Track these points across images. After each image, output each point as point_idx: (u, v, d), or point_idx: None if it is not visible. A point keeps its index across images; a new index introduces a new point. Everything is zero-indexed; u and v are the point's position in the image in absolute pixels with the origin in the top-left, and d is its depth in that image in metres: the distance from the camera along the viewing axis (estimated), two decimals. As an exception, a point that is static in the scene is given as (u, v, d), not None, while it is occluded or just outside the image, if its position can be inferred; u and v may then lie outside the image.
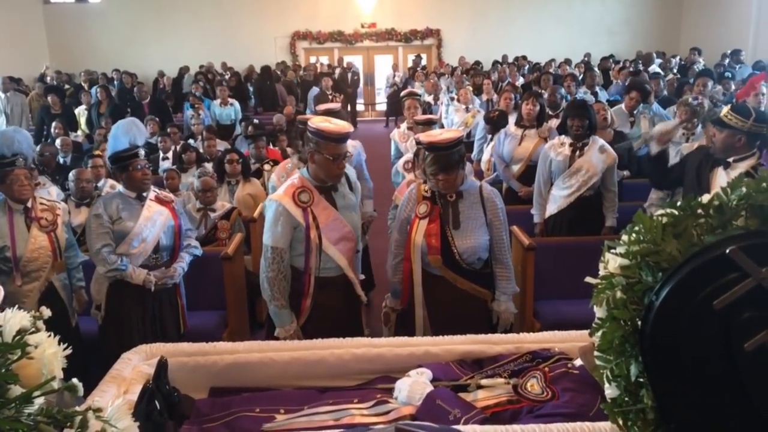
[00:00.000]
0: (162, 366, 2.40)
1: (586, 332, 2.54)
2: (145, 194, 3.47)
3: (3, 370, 0.78)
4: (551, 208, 4.49)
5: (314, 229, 2.95)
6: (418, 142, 3.32)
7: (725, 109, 3.52)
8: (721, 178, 3.46)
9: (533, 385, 2.30)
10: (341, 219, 3.03)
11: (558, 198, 4.43)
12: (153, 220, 3.43)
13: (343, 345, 2.56)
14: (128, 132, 3.44)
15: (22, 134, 3.74)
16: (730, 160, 3.45)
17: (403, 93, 6.29)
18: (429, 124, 4.68)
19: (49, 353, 0.83)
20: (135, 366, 2.44)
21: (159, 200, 3.52)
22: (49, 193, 5.10)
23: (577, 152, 4.35)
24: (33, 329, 0.82)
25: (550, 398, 2.23)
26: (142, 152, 3.47)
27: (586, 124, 4.33)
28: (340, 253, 3.01)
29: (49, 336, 0.88)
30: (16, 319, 0.83)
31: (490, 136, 6.17)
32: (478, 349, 2.56)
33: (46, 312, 0.85)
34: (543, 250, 4.10)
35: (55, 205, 3.70)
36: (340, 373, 2.53)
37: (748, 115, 3.41)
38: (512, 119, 6.55)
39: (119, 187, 3.56)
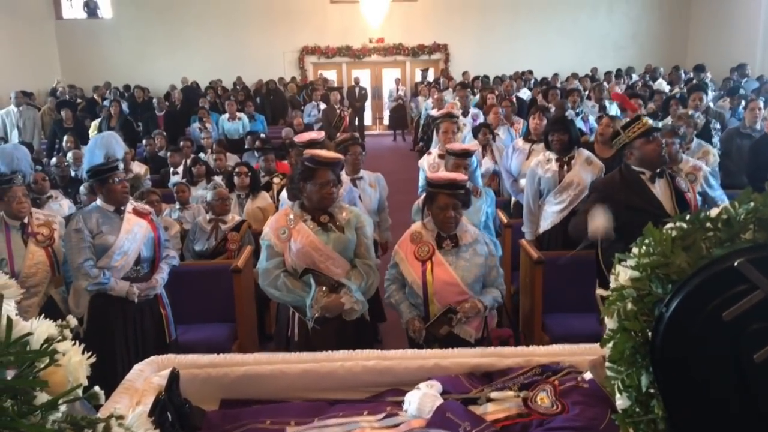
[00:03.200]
0: (174, 377, 2.42)
1: (595, 345, 2.55)
2: (123, 207, 3.48)
3: (31, 378, 0.80)
4: (544, 225, 4.49)
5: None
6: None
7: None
8: (657, 189, 3.50)
9: (543, 399, 2.30)
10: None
11: (551, 214, 4.44)
12: (133, 233, 3.44)
13: (353, 357, 2.58)
14: (105, 146, 3.47)
15: (21, 151, 3.78)
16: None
17: (438, 113, 5.49)
18: (464, 156, 4.00)
19: (74, 361, 0.86)
20: (147, 377, 2.46)
21: (137, 212, 3.52)
22: (61, 206, 5.16)
23: (565, 167, 4.37)
24: (60, 337, 0.85)
25: (560, 411, 2.23)
26: (121, 165, 3.49)
27: (566, 139, 4.37)
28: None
29: (74, 344, 0.90)
30: (43, 327, 0.85)
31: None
32: (487, 362, 2.57)
33: (73, 321, 0.88)
34: (551, 264, 4.11)
35: (51, 220, 3.72)
36: (350, 385, 2.54)
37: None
38: (502, 131, 6.60)
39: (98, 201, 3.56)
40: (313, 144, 3.88)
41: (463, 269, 3.13)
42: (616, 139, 3.66)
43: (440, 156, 4.72)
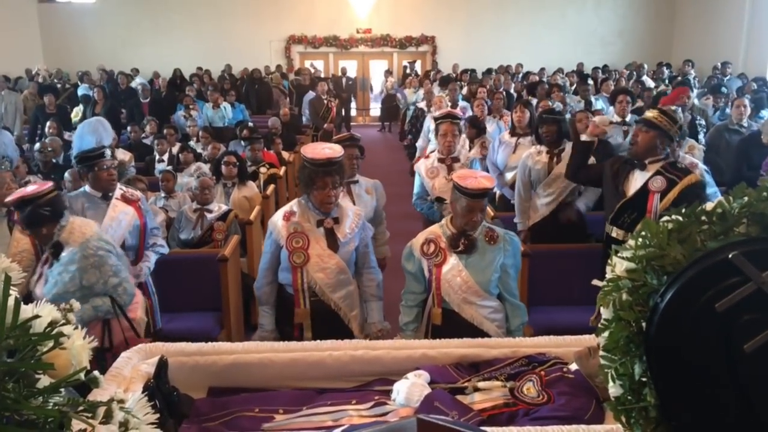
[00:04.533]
0: (162, 365, 2.42)
1: (581, 337, 2.60)
2: (111, 194, 3.46)
3: (33, 361, 0.80)
4: (535, 216, 4.55)
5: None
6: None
7: (654, 112, 3.67)
8: (637, 178, 3.57)
9: (529, 389, 2.34)
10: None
11: (540, 206, 4.50)
12: (118, 220, 3.42)
13: (342, 347, 2.59)
14: (94, 132, 3.45)
15: (7, 137, 3.75)
16: (647, 161, 3.55)
17: (438, 113, 5.01)
18: (481, 197, 3.03)
19: (77, 344, 0.86)
20: (135, 365, 2.45)
21: (125, 199, 3.50)
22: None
23: (554, 159, 4.42)
24: (63, 321, 0.85)
25: (546, 402, 2.27)
26: (108, 152, 3.48)
27: (555, 130, 4.44)
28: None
29: (76, 328, 0.91)
30: (45, 310, 0.85)
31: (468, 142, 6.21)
32: (474, 352, 2.60)
33: (76, 305, 0.88)
34: (537, 257, 4.14)
35: None
36: (338, 374, 2.56)
37: (675, 121, 3.60)
38: (489, 124, 6.64)
39: (86, 187, 3.53)
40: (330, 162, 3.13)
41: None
42: None
43: (440, 160, 4.40)
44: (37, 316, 0.76)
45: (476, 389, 2.40)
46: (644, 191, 3.47)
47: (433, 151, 4.78)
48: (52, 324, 0.83)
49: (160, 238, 3.73)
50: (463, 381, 2.44)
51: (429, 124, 7.58)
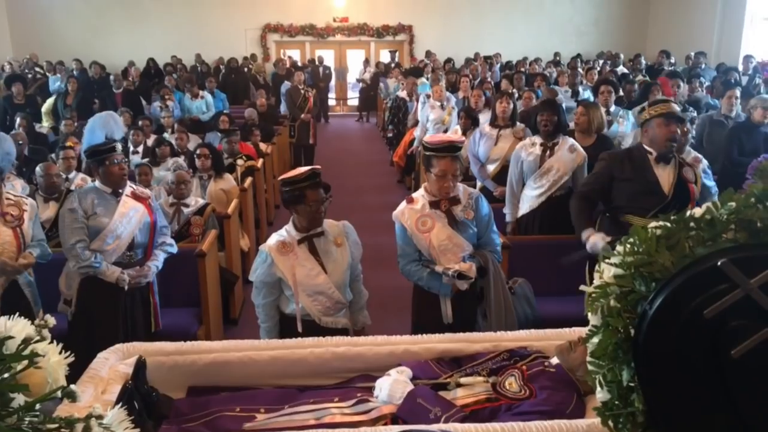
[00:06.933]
0: (140, 366, 2.38)
1: (562, 330, 2.61)
2: (121, 190, 3.41)
3: (9, 380, 0.77)
4: (523, 208, 4.53)
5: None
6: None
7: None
8: (665, 170, 3.59)
9: (511, 384, 2.35)
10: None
11: (530, 198, 4.48)
12: (128, 217, 3.37)
13: (323, 344, 2.57)
14: (105, 125, 3.39)
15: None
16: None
17: (432, 140, 3.17)
18: None
19: (53, 361, 0.83)
20: (112, 366, 2.40)
21: (135, 196, 3.45)
22: (14, 186, 4.97)
23: (548, 152, 4.41)
24: (38, 338, 0.82)
25: (527, 396, 2.28)
26: (119, 146, 3.42)
27: (555, 120, 4.40)
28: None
29: (51, 343, 0.87)
30: (18, 326, 0.82)
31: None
32: (456, 347, 2.60)
33: (51, 320, 0.85)
34: (517, 249, 4.15)
35: (21, 201, 3.61)
36: (320, 372, 2.54)
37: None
38: (482, 117, 6.61)
39: (91, 182, 3.49)
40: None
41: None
42: (640, 113, 3.80)
43: (433, 204, 3.14)
44: (10, 337, 0.73)
45: (458, 385, 2.40)
46: (682, 182, 3.49)
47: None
48: (26, 341, 0.79)
49: (169, 236, 3.66)
50: (446, 377, 2.44)
51: (428, 112, 7.45)
